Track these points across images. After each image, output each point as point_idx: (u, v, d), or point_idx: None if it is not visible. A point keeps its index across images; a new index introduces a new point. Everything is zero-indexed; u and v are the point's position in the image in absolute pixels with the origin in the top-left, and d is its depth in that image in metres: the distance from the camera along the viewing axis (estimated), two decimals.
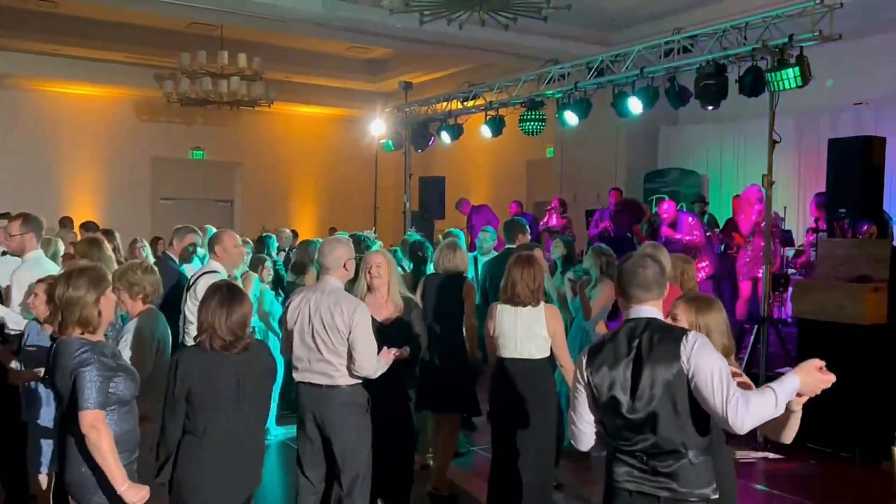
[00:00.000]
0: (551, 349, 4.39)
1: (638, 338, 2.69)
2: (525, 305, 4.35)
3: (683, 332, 2.69)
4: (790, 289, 8.82)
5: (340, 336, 3.92)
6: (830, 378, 2.65)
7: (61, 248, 6.08)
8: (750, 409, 2.51)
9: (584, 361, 2.79)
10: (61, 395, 3.01)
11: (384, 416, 4.21)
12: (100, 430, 2.88)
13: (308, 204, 17.46)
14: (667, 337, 2.65)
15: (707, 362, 2.57)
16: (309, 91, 15.98)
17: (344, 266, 4.09)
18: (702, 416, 2.63)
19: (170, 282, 5.33)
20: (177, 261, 5.96)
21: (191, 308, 4.77)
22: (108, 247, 5.23)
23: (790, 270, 9.36)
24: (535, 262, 4.43)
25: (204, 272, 4.90)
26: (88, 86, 14.81)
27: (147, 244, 7.03)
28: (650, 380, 2.62)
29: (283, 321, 4.23)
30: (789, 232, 9.60)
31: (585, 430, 2.84)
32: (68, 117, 14.95)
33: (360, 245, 6.18)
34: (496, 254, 6.89)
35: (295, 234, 11.62)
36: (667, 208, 9.34)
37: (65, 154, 14.93)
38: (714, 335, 2.94)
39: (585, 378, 2.77)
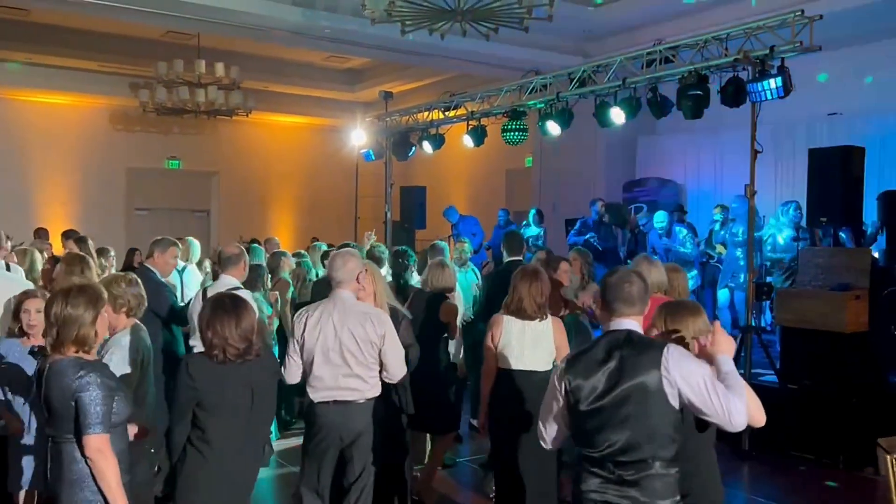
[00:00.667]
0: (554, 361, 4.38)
1: (618, 349, 2.75)
2: (532, 319, 4.35)
3: (663, 344, 2.74)
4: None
5: (373, 349, 3.97)
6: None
7: (39, 260, 5.95)
8: (742, 400, 2.62)
9: (563, 369, 2.86)
10: (54, 416, 2.93)
11: (377, 426, 4.19)
12: (106, 455, 2.85)
13: (286, 214, 17.34)
14: (646, 349, 2.73)
15: (692, 373, 2.64)
16: (286, 100, 15.90)
17: (356, 279, 4.08)
18: (671, 429, 2.69)
19: (150, 295, 5.24)
20: (157, 272, 5.84)
21: None
22: (94, 263, 5.13)
23: (769, 279, 9.45)
24: (541, 276, 4.44)
25: (229, 290, 4.85)
26: (61, 95, 14.60)
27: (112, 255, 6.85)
28: (626, 390, 2.69)
29: (297, 340, 4.05)
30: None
31: (551, 433, 2.95)
32: (41, 127, 14.69)
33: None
34: (500, 266, 6.86)
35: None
36: (662, 219, 9.42)
37: (37, 164, 14.68)
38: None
39: (563, 386, 2.83)
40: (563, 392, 2.83)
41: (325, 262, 6.01)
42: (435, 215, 12.43)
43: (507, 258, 6.38)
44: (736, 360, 6.38)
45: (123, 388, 3.06)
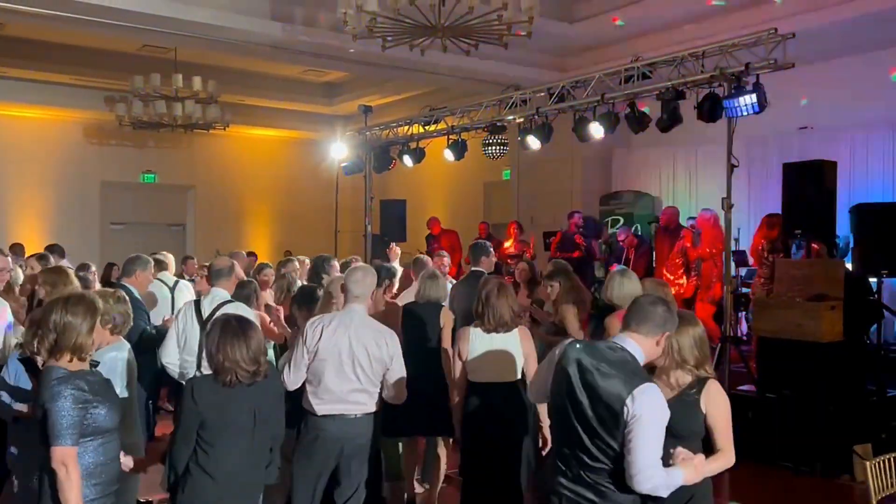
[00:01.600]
0: (522, 371, 4.43)
1: (606, 362, 2.85)
2: (503, 331, 4.38)
3: (644, 379, 2.81)
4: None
5: (382, 367, 4.03)
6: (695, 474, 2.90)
7: (20, 276, 5.89)
8: (664, 483, 2.74)
9: (565, 346, 3.01)
10: (39, 423, 2.96)
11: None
12: (69, 468, 2.83)
13: (263, 227, 17.27)
14: (627, 378, 2.79)
15: (649, 419, 2.72)
16: (264, 114, 15.87)
17: (371, 295, 4.16)
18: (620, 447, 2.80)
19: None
20: (135, 291, 5.79)
21: None
22: (73, 276, 5.09)
23: (744, 290, 9.62)
24: (509, 288, 4.52)
25: (223, 302, 4.86)
26: (35, 108, 14.42)
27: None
28: (595, 402, 2.80)
29: (308, 348, 4.03)
30: (743, 252, 9.87)
31: (538, 390, 3.17)
32: (13, 140, 14.50)
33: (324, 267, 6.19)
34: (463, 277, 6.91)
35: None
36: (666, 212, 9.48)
37: (9, 178, 14.46)
38: (685, 350, 3.11)
39: (557, 358, 2.99)
40: (556, 361, 2.99)
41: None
42: (414, 228, 12.48)
43: (472, 268, 6.43)
44: (716, 369, 6.51)
45: (109, 398, 3.04)
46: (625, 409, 2.73)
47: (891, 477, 3.86)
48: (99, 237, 15.26)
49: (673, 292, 6.51)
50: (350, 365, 3.96)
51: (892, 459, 3.89)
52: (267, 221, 17.33)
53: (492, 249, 6.74)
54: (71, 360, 3.00)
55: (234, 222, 16.74)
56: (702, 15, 9.64)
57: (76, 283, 4.94)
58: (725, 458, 3.12)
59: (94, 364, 3.21)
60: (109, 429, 3.02)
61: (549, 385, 3.03)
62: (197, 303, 5.02)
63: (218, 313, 4.65)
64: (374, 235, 11.55)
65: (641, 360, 2.91)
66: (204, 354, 4.65)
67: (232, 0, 9.66)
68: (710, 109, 6.84)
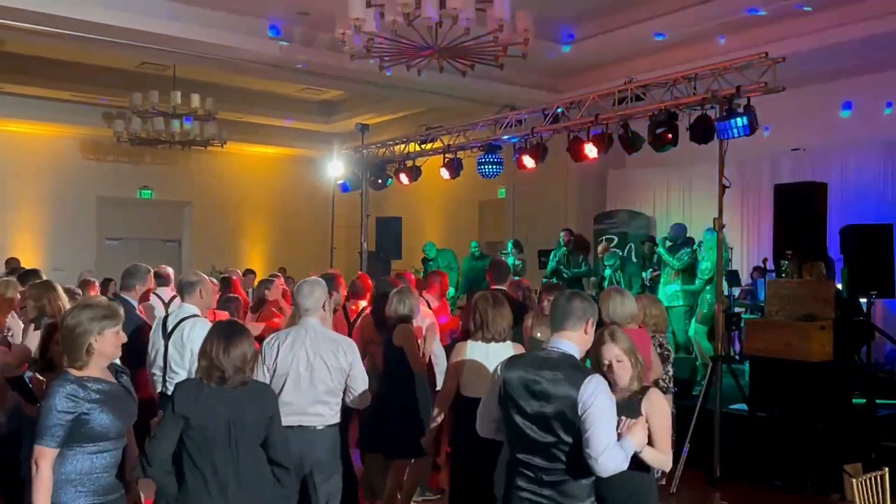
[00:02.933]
0: None
1: (549, 367, 2.99)
2: (499, 341, 4.43)
3: (588, 372, 2.99)
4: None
5: (342, 375, 4.08)
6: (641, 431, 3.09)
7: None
8: (624, 456, 2.91)
9: (502, 366, 3.15)
10: None
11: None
12: (39, 467, 2.88)
13: (259, 244, 17.32)
14: (572, 372, 2.95)
15: (601, 404, 2.88)
16: (261, 131, 15.98)
17: (322, 307, 4.18)
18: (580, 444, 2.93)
19: (131, 326, 5.24)
20: (135, 304, 5.83)
21: (173, 356, 4.76)
22: (60, 289, 5.11)
23: (737, 309, 9.69)
24: (504, 302, 4.56)
25: (185, 317, 4.84)
26: (33, 124, 14.51)
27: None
28: (545, 405, 2.94)
29: (268, 367, 4.09)
30: (735, 272, 9.96)
31: (480, 417, 3.29)
32: (10, 156, 14.56)
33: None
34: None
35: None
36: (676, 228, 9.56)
37: (6, 193, 14.52)
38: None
39: (499, 378, 3.11)
40: (499, 384, 3.10)
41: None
42: (410, 245, 12.54)
43: (496, 286, 6.43)
44: (707, 390, 6.56)
45: (113, 409, 3.02)
46: (578, 401, 2.88)
47: (878, 495, 3.91)
48: (95, 252, 15.29)
49: None
50: (308, 378, 4.01)
51: (878, 478, 3.94)
52: (263, 238, 17.38)
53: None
54: (77, 366, 3.02)
55: (230, 238, 16.79)
56: (694, 38, 9.78)
57: (63, 297, 4.96)
58: (664, 458, 3.30)
59: (121, 372, 3.24)
60: (108, 437, 3.01)
61: (495, 412, 3.15)
62: (165, 318, 5.02)
63: (184, 329, 4.73)
64: (369, 252, 11.61)
65: (578, 354, 3.08)
66: (171, 366, 4.78)
67: (230, 19, 9.77)
68: (703, 131, 6.93)
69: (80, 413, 2.92)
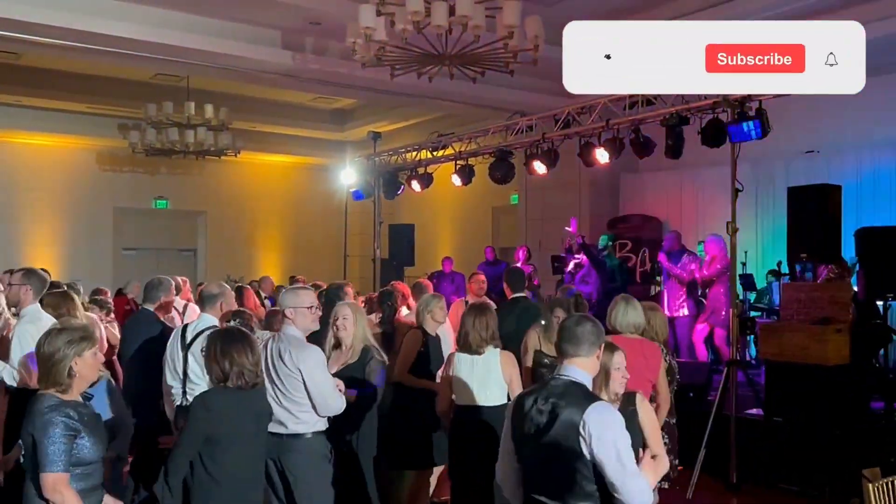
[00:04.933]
0: (508, 396, 4.48)
1: (554, 396, 2.88)
2: (478, 354, 4.47)
3: (592, 400, 2.86)
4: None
5: (294, 381, 3.97)
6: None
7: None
8: (646, 493, 2.79)
9: (513, 404, 3.09)
10: (25, 450, 3.02)
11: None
12: (63, 493, 2.90)
13: (274, 252, 17.40)
14: (574, 402, 2.83)
15: (610, 437, 2.75)
16: (274, 140, 16.06)
17: (307, 312, 4.14)
18: (591, 477, 2.82)
19: (152, 334, 5.29)
20: (158, 315, 5.86)
21: (193, 368, 4.75)
22: (78, 301, 5.18)
23: (752, 313, 9.62)
24: (488, 311, 4.61)
25: (205, 328, 4.86)
26: (49, 136, 14.66)
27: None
28: (550, 437, 2.82)
29: None
30: (750, 276, 9.88)
31: (499, 465, 3.13)
32: (27, 168, 14.73)
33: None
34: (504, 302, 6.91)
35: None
36: (669, 237, 9.53)
37: (24, 204, 14.68)
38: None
39: (510, 419, 3.04)
40: (510, 425, 3.02)
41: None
42: (423, 252, 12.55)
43: (512, 294, 6.42)
44: (723, 395, 6.52)
45: (96, 430, 3.07)
46: (580, 434, 2.76)
47: (895, 500, 3.86)
48: (112, 263, 15.41)
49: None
50: (270, 383, 4.01)
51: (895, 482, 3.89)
52: (277, 246, 17.46)
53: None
54: (61, 390, 3.03)
55: (244, 247, 16.88)
56: None
57: (80, 306, 5.02)
58: (662, 463, 3.22)
59: (88, 398, 3.24)
60: (94, 461, 3.07)
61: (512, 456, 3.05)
62: (184, 328, 5.06)
63: (198, 339, 4.73)
64: (382, 260, 11.63)
65: (588, 382, 2.95)
66: (191, 377, 4.78)
67: (243, 30, 9.86)
68: (714, 135, 6.92)
69: (76, 437, 2.96)
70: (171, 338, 5.10)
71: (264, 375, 4.02)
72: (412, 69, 8.30)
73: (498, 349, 4.53)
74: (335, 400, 4.04)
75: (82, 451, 2.98)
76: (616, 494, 2.74)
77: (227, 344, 3.45)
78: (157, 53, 9.98)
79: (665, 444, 4.54)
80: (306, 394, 3.97)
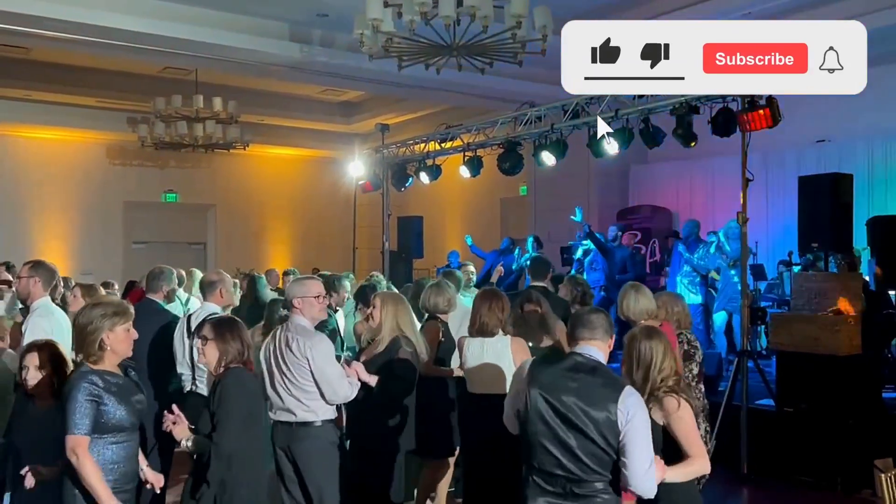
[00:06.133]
0: None
1: (583, 373, 2.93)
2: (492, 335, 4.43)
3: (624, 384, 2.93)
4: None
5: (304, 371, 4.00)
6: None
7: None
8: (653, 481, 2.86)
9: (529, 373, 3.05)
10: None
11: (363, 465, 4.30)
12: (79, 456, 2.99)
13: (283, 245, 17.44)
14: (608, 383, 2.90)
15: (639, 424, 2.83)
16: (283, 133, 16.08)
17: (315, 302, 4.16)
18: (614, 457, 2.87)
19: (160, 324, 5.32)
20: (165, 305, 5.90)
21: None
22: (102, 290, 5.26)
23: (763, 303, 9.58)
24: (501, 296, 4.58)
25: (208, 316, 4.89)
26: (59, 130, 14.74)
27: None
28: (581, 416, 2.85)
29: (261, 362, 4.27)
30: (761, 266, 9.84)
31: (510, 414, 3.20)
32: (38, 162, 14.81)
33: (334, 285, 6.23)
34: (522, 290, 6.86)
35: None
36: (685, 226, 9.48)
37: (35, 199, 14.77)
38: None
39: (524, 384, 3.02)
40: (524, 389, 3.02)
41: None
42: (432, 244, 12.54)
43: (531, 282, 6.40)
44: (733, 385, 6.48)
45: (126, 400, 3.16)
46: (619, 412, 2.82)
47: None
48: (122, 256, 15.50)
49: None
50: (278, 372, 4.06)
51: None
52: (286, 239, 17.49)
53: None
54: (92, 361, 3.16)
55: (254, 240, 16.93)
56: None
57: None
58: (693, 468, 3.18)
59: (129, 367, 3.36)
60: (125, 428, 3.16)
61: (517, 407, 3.08)
62: (188, 318, 5.09)
63: None
64: (391, 252, 11.63)
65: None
66: (196, 368, 4.82)
67: (251, 22, 9.85)
68: (724, 124, 6.86)
69: (99, 403, 3.06)
70: (177, 328, 5.14)
71: (272, 364, 4.10)
72: (420, 60, 8.28)
73: (509, 335, 4.50)
74: (343, 387, 4.07)
75: (110, 416, 3.07)
76: (631, 476, 2.79)
77: (233, 327, 3.55)
78: (166, 47, 10.00)
79: (706, 431, 4.55)
80: (314, 382, 4.01)
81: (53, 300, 4.85)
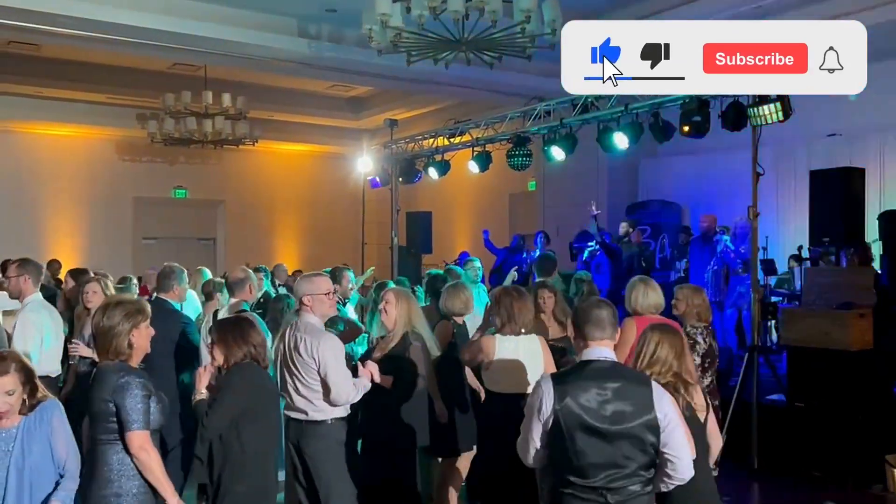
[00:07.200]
0: None
1: (609, 379, 2.84)
2: (526, 333, 4.33)
3: (648, 380, 2.93)
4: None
5: (311, 370, 3.99)
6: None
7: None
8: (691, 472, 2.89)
9: (552, 390, 2.85)
10: (94, 418, 3.12)
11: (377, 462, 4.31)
12: (149, 451, 3.05)
13: (292, 241, 17.47)
14: (637, 383, 2.88)
15: (675, 416, 2.87)
16: (291, 128, 16.09)
17: (324, 298, 4.16)
18: (653, 454, 2.85)
19: (171, 326, 5.32)
20: (176, 305, 5.89)
21: None
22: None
23: (774, 298, 9.54)
24: (526, 295, 4.49)
25: (237, 312, 4.94)
26: (70, 127, 14.80)
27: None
28: (626, 422, 2.79)
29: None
30: (772, 261, 9.79)
31: (533, 452, 2.97)
32: (49, 159, 14.87)
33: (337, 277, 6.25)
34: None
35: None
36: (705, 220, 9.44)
37: (45, 195, 14.84)
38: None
39: (551, 406, 2.83)
40: (549, 412, 2.84)
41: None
42: (440, 240, 12.54)
43: (537, 279, 6.41)
44: (743, 380, 6.45)
45: (160, 399, 3.20)
46: (656, 410, 2.82)
47: None
48: (132, 252, 15.56)
49: None
50: (287, 371, 4.08)
51: None
52: (295, 234, 17.53)
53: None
54: (123, 359, 3.18)
55: (263, 236, 16.97)
56: None
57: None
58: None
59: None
60: (159, 428, 3.22)
61: (542, 436, 2.92)
62: (215, 314, 5.23)
63: None
64: (400, 247, 11.64)
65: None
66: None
67: (259, 18, 9.86)
68: (735, 118, 6.82)
69: (149, 399, 3.12)
70: (203, 324, 5.27)
71: (282, 364, 4.13)
72: (428, 56, 8.27)
73: (534, 334, 4.45)
74: (346, 391, 4.01)
75: (152, 415, 3.12)
76: (676, 470, 2.84)
77: (244, 327, 3.61)
78: (175, 43, 10.02)
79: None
80: (320, 382, 4.00)
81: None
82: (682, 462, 2.84)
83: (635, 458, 2.81)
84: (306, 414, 4.03)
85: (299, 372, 4.01)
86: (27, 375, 3.07)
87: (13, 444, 3.03)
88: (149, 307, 3.35)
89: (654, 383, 2.93)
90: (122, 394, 3.04)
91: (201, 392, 3.56)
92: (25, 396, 3.06)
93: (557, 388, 2.85)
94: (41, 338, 4.68)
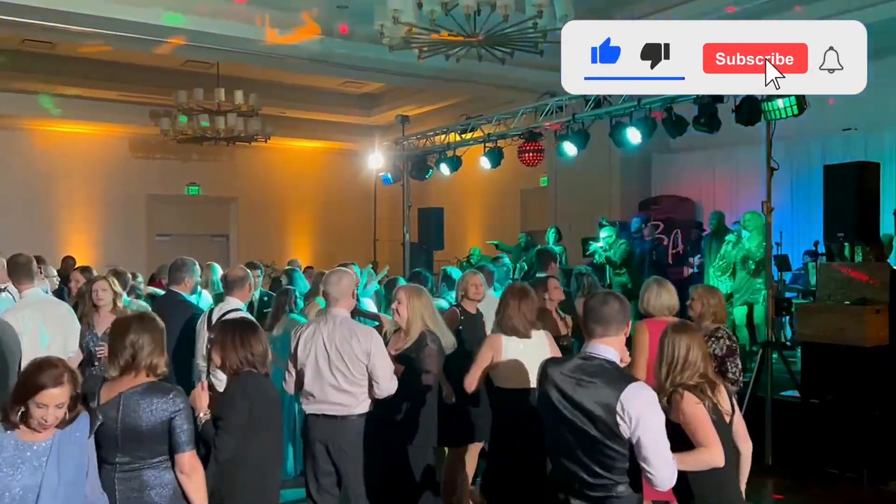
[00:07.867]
0: None
1: (587, 374, 2.84)
2: (525, 337, 4.38)
3: (629, 380, 2.81)
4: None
5: (360, 365, 4.08)
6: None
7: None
8: (674, 475, 2.76)
9: (544, 370, 3.01)
10: (137, 440, 2.97)
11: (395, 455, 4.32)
12: (199, 470, 3.05)
13: (304, 237, 17.52)
14: (611, 381, 2.80)
15: (649, 418, 2.73)
16: (304, 125, 16.13)
17: (352, 295, 4.27)
18: (627, 457, 2.78)
19: (184, 317, 5.36)
20: (187, 297, 5.93)
21: None
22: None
23: (788, 294, 9.48)
24: (530, 294, 4.51)
25: (230, 311, 4.92)
26: (83, 124, 14.88)
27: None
28: (588, 415, 2.77)
29: (292, 356, 4.30)
30: (786, 256, 9.73)
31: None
32: (62, 156, 14.96)
33: None
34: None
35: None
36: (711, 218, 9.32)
37: (59, 192, 14.93)
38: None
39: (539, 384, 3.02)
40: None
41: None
42: (452, 236, 12.54)
43: (538, 274, 6.42)
44: (757, 377, 6.42)
45: None
46: (618, 414, 2.72)
47: None
48: (145, 249, 15.64)
49: None
50: (327, 367, 4.10)
51: None
52: (307, 231, 17.58)
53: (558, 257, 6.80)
54: (147, 376, 3.06)
55: (275, 232, 17.02)
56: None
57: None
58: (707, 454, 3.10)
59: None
60: None
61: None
62: (210, 311, 5.15)
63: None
64: (412, 244, 11.65)
65: (617, 360, 2.91)
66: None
67: (272, 16, 9.88)
68: (748, 113, 6.77)
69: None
70: (199, 320, 5.18)
71: (317, 359, 4.12)
72: (440, 51, 8.26)
73: (541, 330, 4.48)
74: (392, 382, 4.16)
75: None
76: (652, 475, 2.71)
77: (245, 331, 3.51)
78: (187, 40, 10.05)
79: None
80: (367, 376, 4.10)
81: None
82: (653, 469, 2.70)
83: (599, 457, 2.77)
84: (345, 407, 4.10)
85: (346, 366, 4.07)
86: (75, 385, 2.72)
87: (46, 459, 2.63)
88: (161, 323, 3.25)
89: (634, 386, 2.78)
90: (183, 413, 3.02)
91: (205, 412, 3.36)
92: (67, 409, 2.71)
93: (546, 367, 3.01)
94: (35, 336, 4.60)
